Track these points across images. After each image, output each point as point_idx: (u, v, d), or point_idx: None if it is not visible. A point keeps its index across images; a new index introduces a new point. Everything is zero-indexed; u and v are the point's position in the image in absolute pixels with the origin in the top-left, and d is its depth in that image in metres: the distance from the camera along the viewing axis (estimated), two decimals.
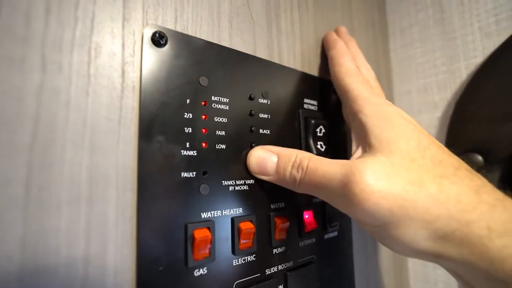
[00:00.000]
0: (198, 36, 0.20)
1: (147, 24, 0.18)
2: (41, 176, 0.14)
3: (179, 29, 0.19)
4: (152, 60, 0.17)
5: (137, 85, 0.17)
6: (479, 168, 0.32)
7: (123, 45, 0.17)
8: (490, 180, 0.31)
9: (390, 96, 0.41)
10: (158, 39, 0.18)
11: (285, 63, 0.26)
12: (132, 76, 0.17)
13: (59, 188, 0.14)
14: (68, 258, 0.14)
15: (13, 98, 0.13)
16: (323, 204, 0.27)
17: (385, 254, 0.35)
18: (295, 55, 0.27)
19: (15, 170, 0.13)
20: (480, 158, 0.32)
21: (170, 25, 0.19)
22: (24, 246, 0.13)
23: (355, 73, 0.23)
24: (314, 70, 0.29)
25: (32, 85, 0.14)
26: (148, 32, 0.17)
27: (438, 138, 0.36)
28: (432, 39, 0.37)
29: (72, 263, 0.14)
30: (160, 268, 0.16)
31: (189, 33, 0.20)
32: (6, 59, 0.13)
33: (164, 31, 0.18)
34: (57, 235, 0.14)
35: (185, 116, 0.18)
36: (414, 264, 0.39)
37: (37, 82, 0.14)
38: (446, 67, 0.36)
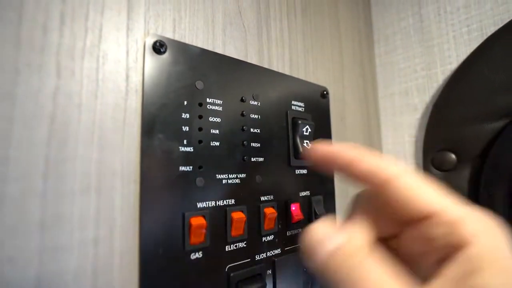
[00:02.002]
0: (194, 44, 0.22)
1: (148, 33, 0.20)
2: (57, 169, 0.16)
3: (177, 37, 0.21)
4: (153, 66, 0.20)
5: (139, 88, 0.19)
6: (452, 166, 0.34)
7: (127, 52, 0.19)
8: (462, 177, 0.34)
9: (375, 99, 0.44)
10: (158, 47, 0.20)
11: (274, 68, 0.28)
12: (135, 80, 0.19)
13: (73, 179, 0.16)
14: (81, 239, 0.16)
15: (32, 100, 0.15)
16: (309, 197, 0.29)
17: None
18: (284, 61, 0.29)
19: (35, 163, 0.15)
20: (453, 156, 0.34)
21: (169, 34, 0.21)
22: (43, 228, 0.15)
23: None
24: (301, 75, 0.31)
25: (49, 88, 0.16)
26: (150, 41, 0.20)
27: (417, 138, 0.39)
28: (413, 46, 0.40)
29: (84, 244, 0.16)
30: (161, 251, 0.18)
31: (186, 41, 0.22)
32: (26, 65, 0.15)
33: (164, 40, 0.20)
34: (71, 220, 0.16)
35: (182, 116, 0.20)
36: None
37: (53, 86, 0.16)
38: (425, 72, 0.39)
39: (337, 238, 0.12)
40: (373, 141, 0.42)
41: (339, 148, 0.15)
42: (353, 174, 0.15)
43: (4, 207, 0.14)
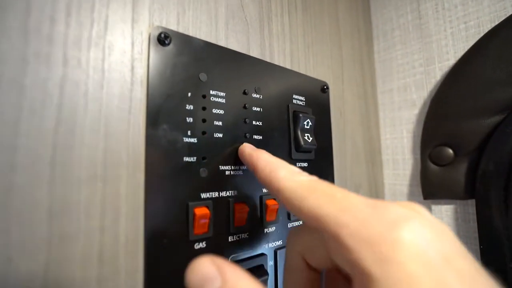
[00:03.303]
0: (198, 36, 0.22)
1: (153, 25, 0.20)
2: (64, 156, 0.16)
3: (181, 30, 0.22)
4: (158, 58, 0.20)
5: (144, 79, 0.19)
6: (450, 161, 0.35)
7: (132, 43, 0.19)
8: (459, 171, 0.35)
9: (373, 94, 0.44)
10: (163, 39, 0.20)
11: (276, 62, 0.28)
12: (140, 72, 0.19)
13: (79, 167, 0.16)
14: (87, 227, 0.16)
15: (40, 89, 0.15)
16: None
17: None
18: (285, 55, 0.29)
19: (42, 150, 0.15)
20: (450, 151, 0.35)
21: (173, 27, 0.21)
22: (51, 215, 0.15)
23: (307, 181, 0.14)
24: (302, 69, 0.31)
25: (56, 77, 0.16)
26: (155, 33, 0.20)
27: (415, 133, 0.40)
28: (411, 43, 0.40)
29: (90, 232, 0.16)
30: (165, 241, 0.19)
31: (190, 34, 0.22)
32: (34, 55, 0.15)
33: (168, 32, 0.20)
34: (78, 208, 0.16)
35: (187, 107, 0.21)
36: None
37: (60, 75, 0.16)
38: (423, 68, 0.39)
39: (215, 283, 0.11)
40: (372, 136, 0.42)
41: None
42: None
43: (12, 194, 0.14)
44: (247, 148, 0.21)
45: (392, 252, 0.09)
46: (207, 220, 0.20)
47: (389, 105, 0.43)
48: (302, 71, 0.31)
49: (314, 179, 0.15)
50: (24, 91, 0.15)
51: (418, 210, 0.11)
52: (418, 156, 0.39)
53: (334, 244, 0.11)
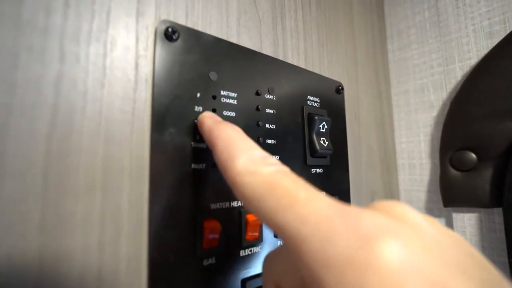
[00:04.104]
0: (208, 32, 0.21)
1: (159, 19, 0.18)
2: (59, 165, 0.14)
3: (190, 25, 0.20)
4: (164, 54, 0.18)
5: (150, 78, 0.17)
6: (472, 166, 0.33)
7: (137, 39, 0.17)
8: (483, 178, 0.32)
9: (388, 96, 0.42)
10: (170, 34, 0.18)
11: (290, 61, 0.26)
12: (145, 69, 0.17)
13: (76, 177, 0.14)
14: (84, 244, 0.14)
15: (33, 87, 0.14)
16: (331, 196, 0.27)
17: None
18: (299, 53, 0.28)
19: (34, 157, 0.13)
20: (473, 156, 0.33)
21: (181, 21, 0.19)
22: (43, 230, 0.13)
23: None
24: (316, 69, 0.30)
25: (51, 75, 0.14)
26: (161, 27, 0.18)
27: (433, 136, 0.38)
28: (428, 41, 0.38)
29: (87, 249, 0.14)
30: (171, 257, 0.17)
31: (200, 29, 0.20)
32: (27, 49, 0.14)
33: (176, 27, 0.18)
34: (73, 222, 0.14)
35: (195, 109, 0.19)
36: None
37: (56, 72, 0.14)
38: (442, 68, 0.37)
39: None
40: (386, 139, 0.40)
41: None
42: None
43: (0, 207, 0.12)
44: (207, 120, 0.16)
45: (361, 280, 0.07)
46: (217, 234, 0.18)
47: (404, 107, 0.41)
48: (316, 71, 0.29)
49: (277, 170, 0.11)
50: (14, 90, 0.13)
51: (403, 216, 0.08)
52: (437, 161, 0.37)
53: (297, 262, 0.09)
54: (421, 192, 0.39)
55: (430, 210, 0.37)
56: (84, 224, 0.14)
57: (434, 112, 0.38)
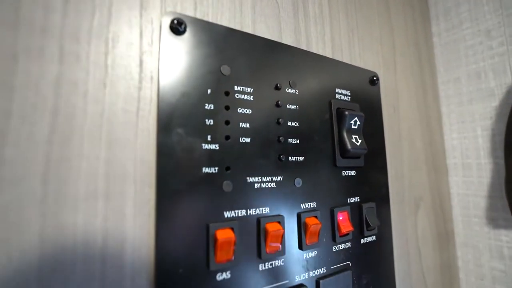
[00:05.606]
0: (219, 22, 0.19)
1: (165, 11, 0.17)
2: (59, 170, 0.13)
3: (199, 16, 0.18)
4: (171, 49, 0.17)
5: (155, 75, 0.16)
6: None
7: (140, 34, 0.16)
8: None
9: (434, 85, 0.36)
10: (176, 26, 0.17)
11: (314, 50, 0.23)
12: (150, 66, 0.16)
13: (77, 183, 0.13)
14: (86, 255, 0.13)
15: (32, 90, 0.13)
16: (360, 204, 0.24)
17: (431, 262, 0.31)
18: (324, 41, 0.24)
19: (34, 163, 0.13)
20: None
21: (190, 12, 0.18)
22: (42, 241, 0.12)
23: None
24: (346, 57, 0.26)
25: (50, 76, 0.13)
26: (167, 20, 0.17)
27: (495, 131, 0.31)
28: (485, 17, 0.32)
29: (89, 260, 0.13)
30: (180, 271, 0.15)
31: (210, 20, 0.19)
32: (25, 50, 0.13)
33: (183, 18, 0.17)
34: (74, 231, 0.13)
35: (206, 107, 0.17)
36: (466, 275, 0.34)
37: (55, 73, 0.13)
38: (504, 48, 0.31)
39: None
40: (433, 136, 0.35)
41: None
42: None
43: None
44: None
45: None
46: (232, 245, 0.16)
47: (455, 98, 0.35)
48: (346, 60, 0.26)
49: None
50: (13, 93, 0.13)
51: None
52: (500, 160, 0.31)
53: None
54: (479, 198, 0.33)
55: (493, 220, 0.31)
56: (85, 234, 0.13)
57: (495, 102, 0.31)
